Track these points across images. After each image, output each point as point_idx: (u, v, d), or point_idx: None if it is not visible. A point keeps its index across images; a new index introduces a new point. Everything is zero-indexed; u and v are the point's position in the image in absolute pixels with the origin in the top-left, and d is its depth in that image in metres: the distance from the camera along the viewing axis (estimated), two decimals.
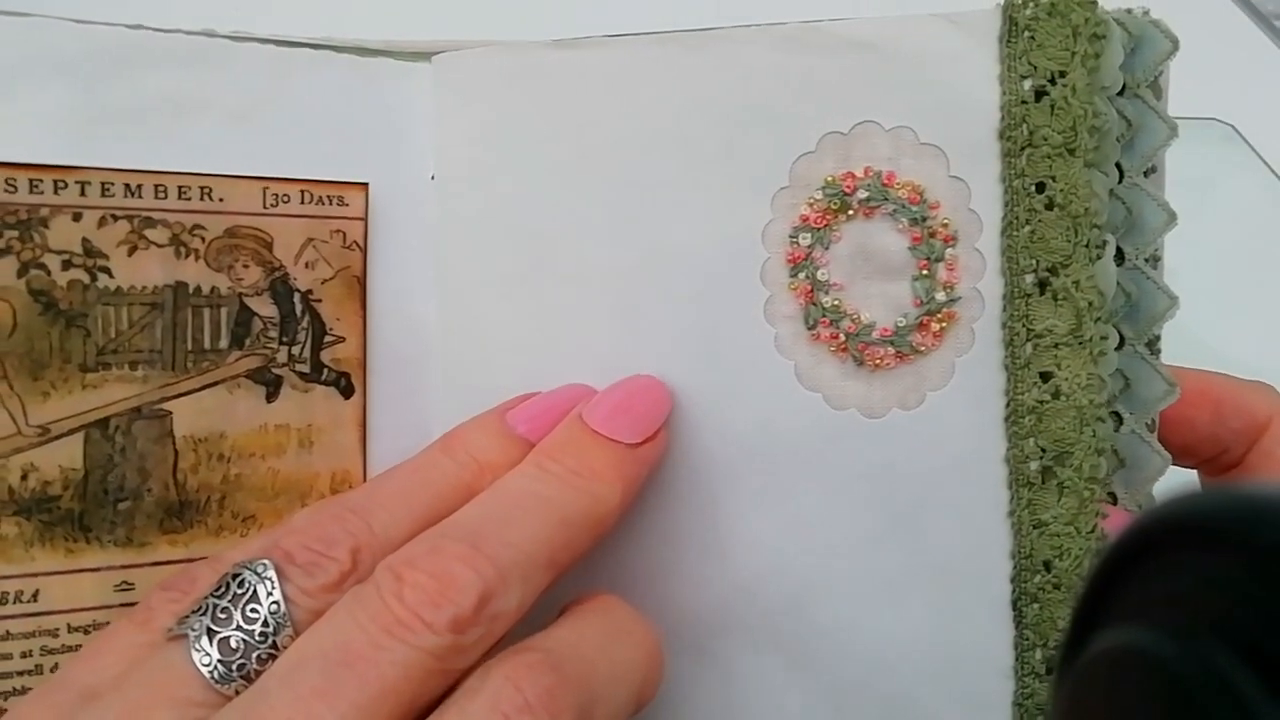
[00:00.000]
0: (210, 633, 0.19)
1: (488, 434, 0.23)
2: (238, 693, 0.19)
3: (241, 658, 0.19)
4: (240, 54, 0.24)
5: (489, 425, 0.23)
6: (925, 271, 0.24)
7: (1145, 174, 0.24)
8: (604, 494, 0.22)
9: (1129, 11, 0.24)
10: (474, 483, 0.22)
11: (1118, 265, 0.24)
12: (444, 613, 0.19)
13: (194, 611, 0.20)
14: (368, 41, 0.25)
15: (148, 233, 0.23)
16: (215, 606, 0.20)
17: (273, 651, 0.19)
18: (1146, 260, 0.24)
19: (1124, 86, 0.24)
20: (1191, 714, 0.13)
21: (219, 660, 0.19)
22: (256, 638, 0.19)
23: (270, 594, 0.20)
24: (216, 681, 0.19)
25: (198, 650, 0.19)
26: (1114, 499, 0.25)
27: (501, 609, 0.19)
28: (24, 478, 0.22)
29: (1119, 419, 0.24)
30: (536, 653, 0.19)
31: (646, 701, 0.21)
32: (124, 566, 0.23)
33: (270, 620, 0.19)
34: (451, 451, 0.23)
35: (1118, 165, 0.24)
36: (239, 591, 0.20)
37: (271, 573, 0.20)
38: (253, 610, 0.20)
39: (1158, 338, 0.24)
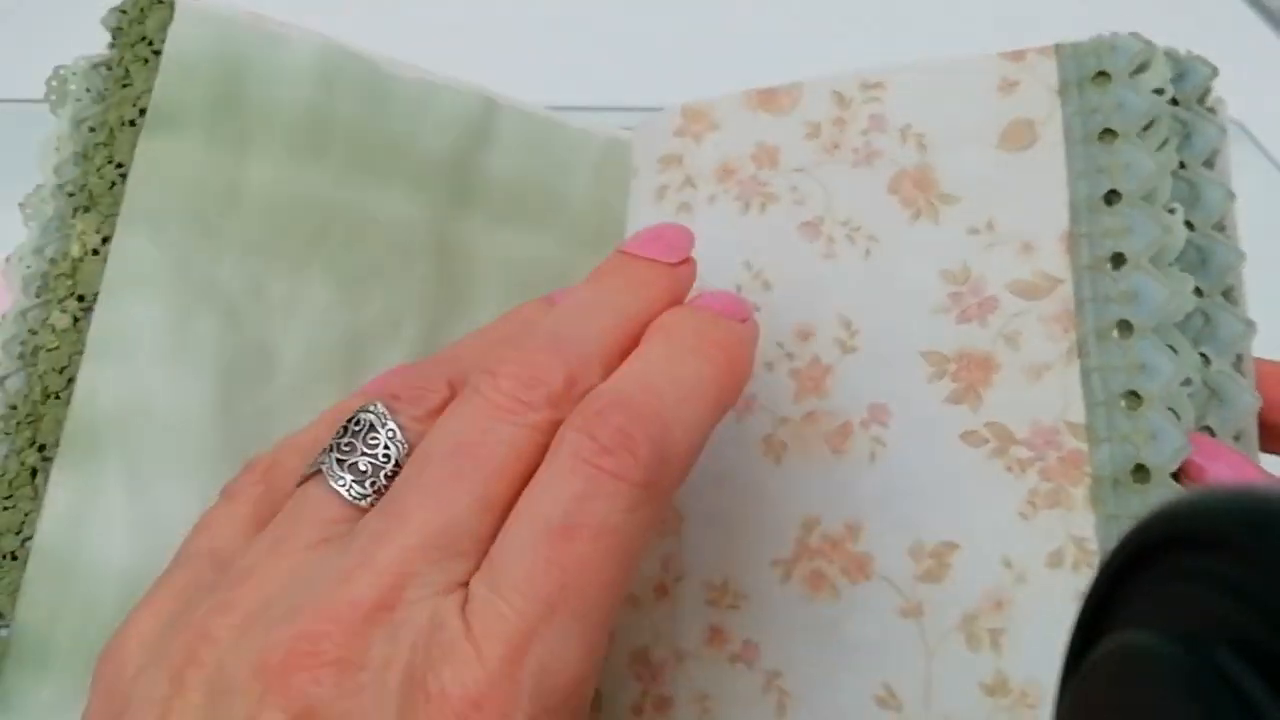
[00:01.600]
0: (339, 462, 0.22)
1: (537, 304, 0.27)
2: (373, 505, 0.21)
3: (371, 476, 0.21)
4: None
5: (536, 301, 0.27)
6: None
7: (1204, 165, 0.29)
8: (653, 295, 0.24)
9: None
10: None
11: (1189, 232, 0.28)
12: (538, 392, 0.21)
13: (321, 453, 0.22)
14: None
15: None
16: (338, 445, 0.22)
17: (397, 469, 0.22)
18: (1214, 227, 0.28)
19: (1175, 100, 0.29)
20: (1197, 718, 0.13)
21: (353, 480, 0.21)
22: (380, 458, 0.22)
23: (385, 423, 0.22)
24: (354, 499, 0.21)
25: (332, 476, 0.21)
26: (1211, 432, 0.27)
27: (588, 385, 0.22)
28: None
29: (1206, 359, 0.27)
30: (603, 397, 0.21)
31: (729, 403, 0.23)
32: None
33: (390, 444, 0.22)
34: (508, 317, 0.27)
35: (1179, 156, 0.29)
36: (356, 429, 0.22)
37: (381, 407, 0.22)
38: (372, 438, 0.22)
39: (1233, 288, 0.28)
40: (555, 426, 0.21)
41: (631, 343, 0.23)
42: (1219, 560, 0.13)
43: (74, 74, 0.29)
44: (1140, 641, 0.14)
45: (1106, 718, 0.15)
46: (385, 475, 0.21)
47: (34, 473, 0.24)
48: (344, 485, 0.21)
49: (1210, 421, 0.27)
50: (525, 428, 0.21)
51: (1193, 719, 0.13)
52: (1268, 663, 0.12)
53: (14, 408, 0.24)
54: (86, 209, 0.26)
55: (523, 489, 0.20)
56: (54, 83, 0.28)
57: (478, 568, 0.20)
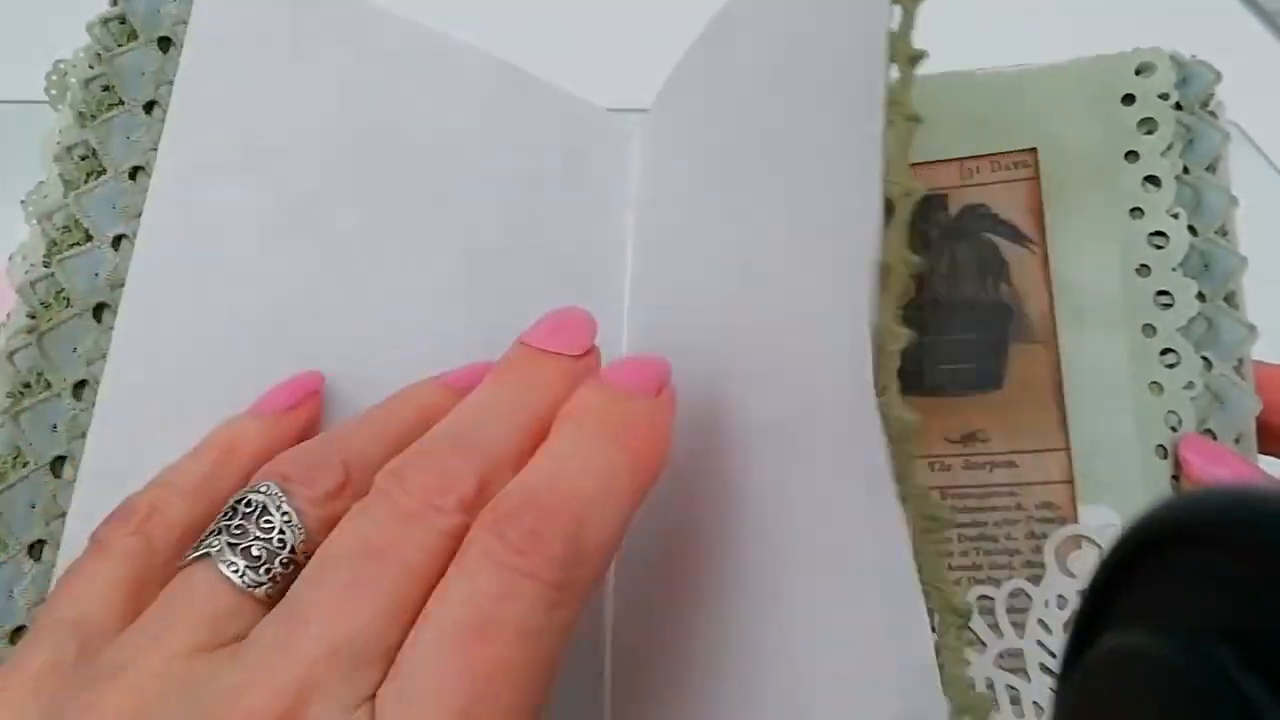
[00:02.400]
0: (231, 546, 0.20)
1: (429, 389, 0.25)
2: (268, 595, 0.20)
3: (266, 563, 0.20)
4: None
5: (428, 384, 0.26)
6: None
7: (1207, 169, 0.29)
8: (556, 392, 0.23)
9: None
10: (429, 418, 0.23)
11: (1192, 237, 0.29)
12: (450, 497, 0.20)
13: (208, 535, 0.21)
14: None
15: None
16: (228, 527, 0.21)
17: (293, 557, 0.21)
18: (1216, 232, 0.29)
19: (1179, 104, 0.30)
20: (1196, 717, 0.13)
21: (246, 566, 0.20)
22: (275, 544, 0.20)
23: (279, 506, 0.21)
24: (248, 586, 0.20)
25: (223, 563, 0.20)
26: (1213, 435, 0.27)
27: (500, 488, 0.20)
28: None
29: (1208, 363, 0.28)
30: (512, 497, 0.20)
31: (647, 486, 0.21)
32: None
33: (285, 529, 0.21)
34: (402, 401, 0.25)
35: (1182, 161, 0.29)
36: (248, 510, 0.21)
37: (275, 488, 0.21)
38: (266, 522, 0.21)
39: (1234, 293, 0.28)
40: (466, 533, 0.20)
41: (539, 439, 0.22)
42: (1218, 559, 0.13)
43: (74, 66, 0.29)
44: (1139, 641, 0.14)
45: (1105, 717, 0.15)
46: (281, 562, 0.20)
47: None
48: (236, 571, 0.20)
49: (1211, 425, 0.27)
50: (436, 533, 0.20)
51: (1191, 717, 0.13)
52: (1267, 662, 0.12)
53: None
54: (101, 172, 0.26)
55: (427, 594, 0.19)
56: (54, 77, 0.28)
57: (384, 678, 0.18)
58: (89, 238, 0.25)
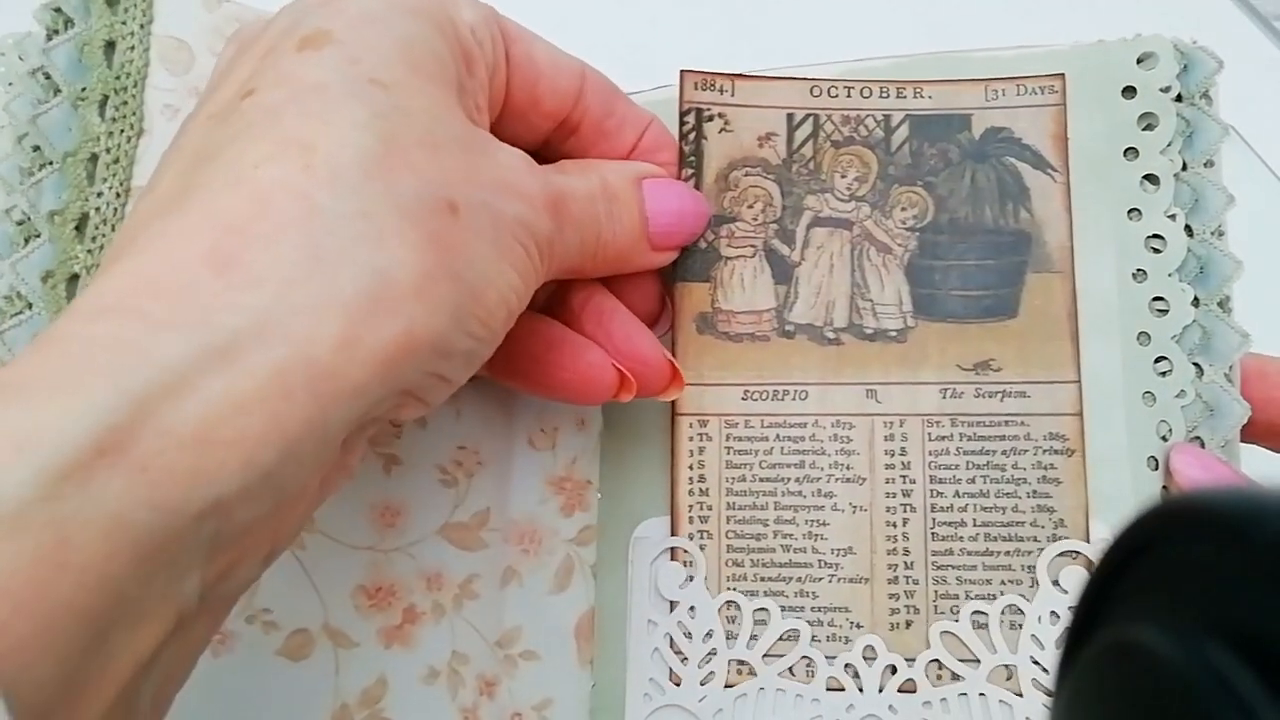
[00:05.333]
0: None
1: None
2: None
3: None
4: None
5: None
6: None
7: (1205, 165, 0.28)
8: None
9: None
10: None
11: (1188, 238, 0.28)
12: None
13: None
14: None
15: None
16: None
17: None
18: (1212, 233, 0.28)
19: (1179, 96, 0.29)
20: (1191, 714, 0.13)
21: None
22: None
23: None
24: None
25: None
26: (1201, 443, 0.28)
27: None
28: None
29: (1200, 370, 0.28)
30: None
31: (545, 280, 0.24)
32: None
33: None
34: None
35: (1181, 157, 0.28)
36: None
37: None
38: None
39: (1228, 298, 0.28)
40: None
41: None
42: (1214, 556, 0.13)
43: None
44: (1134, 636, 0.14)
45: (1102, 712, 0.15)
46: None
47: None
48: None
49: (1200, 432, 0.28)
50: None
51: (1186, 714, 0.13)
52: (1261, 659, 0.12)
53: None
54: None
55: None
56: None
57: None
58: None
